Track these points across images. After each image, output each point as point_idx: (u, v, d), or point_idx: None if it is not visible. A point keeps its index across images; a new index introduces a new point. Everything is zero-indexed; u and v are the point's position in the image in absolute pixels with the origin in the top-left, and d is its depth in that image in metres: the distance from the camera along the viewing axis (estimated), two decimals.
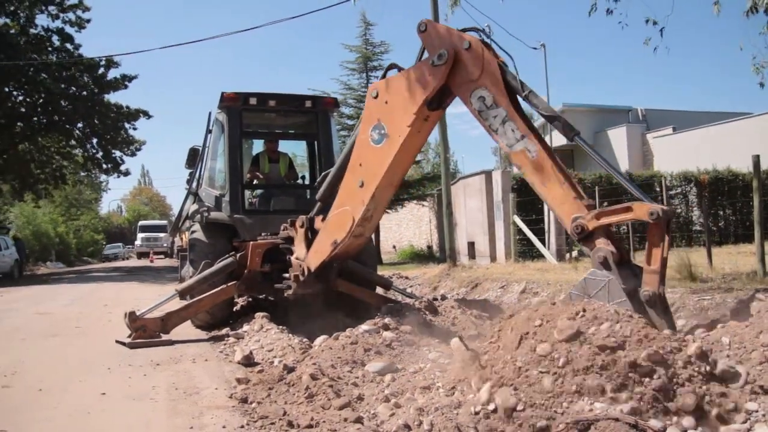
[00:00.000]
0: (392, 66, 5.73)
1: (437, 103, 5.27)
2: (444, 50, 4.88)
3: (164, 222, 50.87)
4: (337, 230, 6.15)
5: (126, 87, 27.83)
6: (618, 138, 28.16)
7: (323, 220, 6.51)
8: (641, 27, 8.38)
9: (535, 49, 22.82)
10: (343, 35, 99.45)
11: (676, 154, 23.97)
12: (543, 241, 13.74)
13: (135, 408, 4.58)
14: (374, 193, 5.66)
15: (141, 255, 42.86)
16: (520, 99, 4.72)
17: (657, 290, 3.92)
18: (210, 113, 9.27)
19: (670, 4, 9.49)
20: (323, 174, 6.90)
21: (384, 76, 5.70)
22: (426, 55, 5.19)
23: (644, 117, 29.85)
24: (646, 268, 3.98)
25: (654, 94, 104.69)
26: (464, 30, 4.96)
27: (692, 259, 8.16)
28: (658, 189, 16.69)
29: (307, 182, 9.99)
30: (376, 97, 5.57)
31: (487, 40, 4.93)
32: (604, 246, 4.15)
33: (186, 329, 7.95)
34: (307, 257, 6.65)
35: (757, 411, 3.10)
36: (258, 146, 10.33)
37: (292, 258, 6.95)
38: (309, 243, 6.73)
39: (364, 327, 5.74)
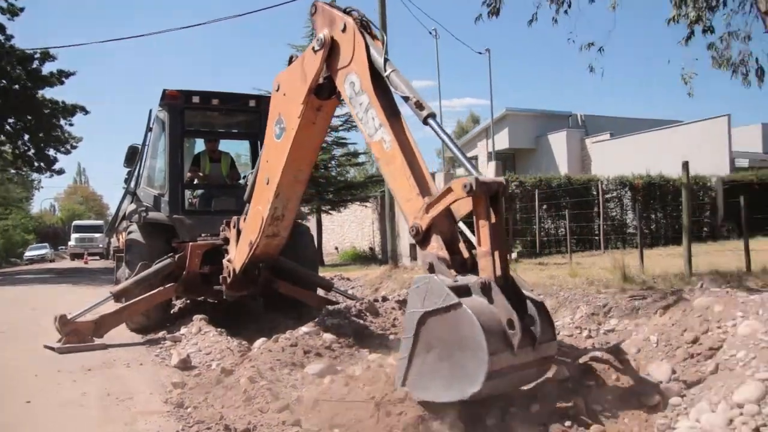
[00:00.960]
0: (294, 57, 5.31)
1: (329, 91, 4.90)
2: (323, 34, 4.58)
3: (100, 222, 49.28)
4: (251, 231, 6.09)
5: (62, 83, 26.75)
6: (558, 142, 28.92)
7: (245, 220, 6.44)
8: (583, 35, 8.66)
9: (480, 53, 23.21)
10: (290, 35, 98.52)
11: (612, 159, 24.79)
12: None
13: (63, 416, 4.42)
14: (277, 191, 5.44)
15: (75, 256, 41.37)
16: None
17: (492, 275, 3.31)
18: (151, 111, 9.08)
19: (613, 15, 9.82)
20: (247, 174, 6.83)
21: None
22: None
23: (583, 122, 30.77)
24: (478, 251, 3.45)
25: (593, 100, 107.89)
26: (346, 9, 4.57)
27: (626, 261, 8.45)
28: (595, 192, 17.22)
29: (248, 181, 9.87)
30: (277, 90, 5.30)
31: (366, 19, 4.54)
32: (431, 252, 3.69)
33: (121, 333, 7.72)
34: (234, 258, 6.59)
35: (680, 405, 3.24)
36: (200, 146, 10.15)
37: (225, 260, 6.86)
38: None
39: (304, 329, 5.72)
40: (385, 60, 4.16)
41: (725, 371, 3.25)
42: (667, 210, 18.40)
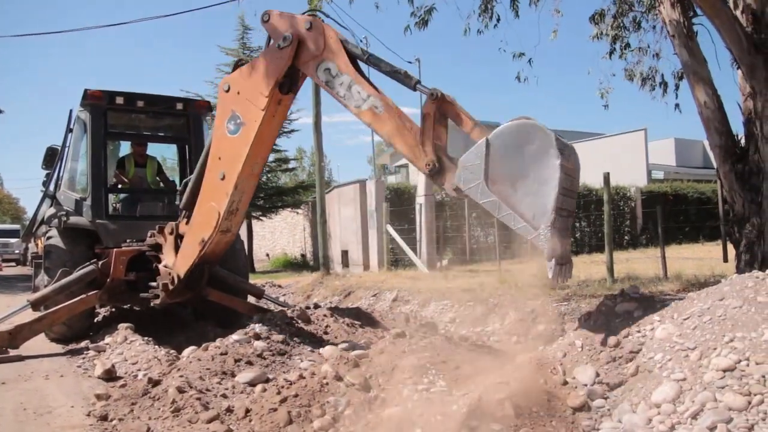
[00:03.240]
0: (241, 61, 5.91)
1: (288, 86, 5.45)
2: (288, 33, 5.15)
3: (16, 227, 46.77)
4: (203, 228, 6.05)
5: None
6: None
7: (187, 222, 6.38)
8: (512, 47, 9.07)
9: (410, 63, 23.54)
10: (220, 38, 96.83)
11: None
12: (415, 250, 14.13)
13: None
14: (237, 183, 5.69)
15: None
16: (362, 65, 5.01)
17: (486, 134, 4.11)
18: (71, 111, 8.73)
19: (538, 30, 10.27)
20: (184, 182, 6.73)
21: (234, 71, 5.83)
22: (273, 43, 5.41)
23: None
24: (469, 128, 4.35)
25: (520, 110, 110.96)
26: (305, 13, 5.37)
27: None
28: None
29: (178, 187, 9.64)
30: (227, 90, 5.70)
31: (327, 20, 5.32)
32: (450, 181, 4.32)
33: (39, 343, 7.36)
34: (175, 264, 6.44)
35: (603, 407, 3.38)
36: (126, 148, 9.84)
37: (161, 266, 6.68)
38: (178, 250, 6.52)
39: (234, 337, 5.62)
40: (361, 48, 4.99)
41: (645, 373, 3.41)
42: (591, 219, 19.12)
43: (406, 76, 4.69)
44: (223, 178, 5.76)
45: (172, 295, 6.66)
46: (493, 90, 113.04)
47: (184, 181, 6.72)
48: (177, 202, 9.27)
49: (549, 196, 3.73)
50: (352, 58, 4.94)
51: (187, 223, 6.42)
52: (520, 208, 3.83)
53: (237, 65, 5.84)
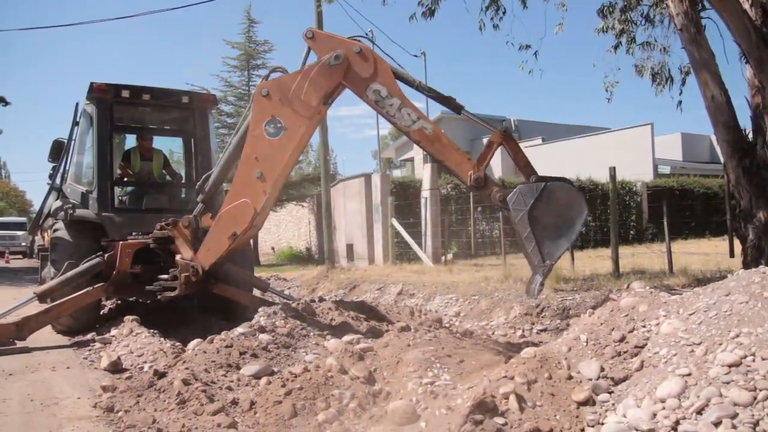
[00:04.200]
0: (277, 69, 6.25)
1: (326, 99, 5.84)
2: (340, 53, 5.58)
3: (23, 219, 46.95)
4: (236, 223, 6.20)
5: None
6: None
7: (212, 217, 6.51)
8: (518, 39, 9.01)
9: (416, 56, 23.46)
10: (225, 31, 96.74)
11: (544, 164, 25.42)
12: (420, 244, 14.13)
13: None
14: (276, 183, 6.14)
15: None
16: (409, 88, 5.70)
17: (535, 173, 5.25)
18: (78, 104, 8.74)
19: (544, 24, 10.20)
20: (204, 176, 6.76)
21: (267, 77, 6.18)
22: (311, 57, 5.80)
23: (517, 127, 31.51)
24: (522, 167, 5.31)
25: (525, 105, 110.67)
26: (351, 37, 5.79)
27: (557, 262, 8.72)
28: None
29: (183, 180, 9.66)
30: (266, 96, 5.94)
31: (372, 46, 5.78)
32: (497, 187, 5.41)
33: (46, 335, 7.41)
34: (198, 257, 6.46)
35: (608, 401, 3.37)
36: (132, 141, 9.85)
37: (178, 258, 6.69)
38: (196, 243, 6.57)
39: (239, 329, 5.64)
40: (408, 75, 5.73)
41: (649, 368, 3.40)
42: (596, 213, 19.07)
43: (455, 104, 5.60)
44: (260, 177, 6.04)
45: (192, 286, 6.74)
46: (498, 84, 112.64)
47: (205, 175, 6.78)
48: (183, 195, 9.35)
49: (563, 247, 5.17)
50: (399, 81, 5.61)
51: (212, 216, 6.57)
52: (540, 241, 5.08)
53: (272, 72, 6.28)
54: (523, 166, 5.31)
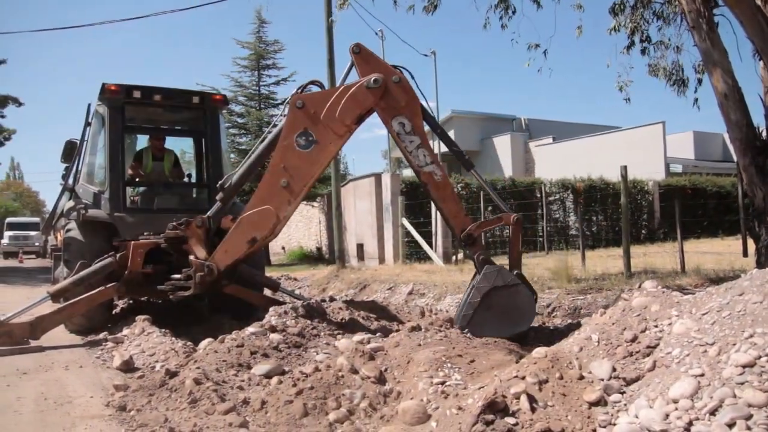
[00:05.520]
0: (313, 82, 6.50)
1: (359, 119, 6.10)
2: (380, 77, 5.83)
3: (36, 219, 47.34)
4: (256, 228, 6.26)
5: None
6: (502, 145, 29.44)
7: (233, 220, 6.59)
8: (527, 38, 8.98)
9: (425, 56, 23.42)
10: (235, 31, 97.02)
11: (555, 163, 25.40)
12: (430, 244, 14.11)
13: None
14: (301, 194, 6.26)
15: (9, 255, 39.65)
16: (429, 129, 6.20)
17: (519, 270, 6.09)
18: (89, 105, 8.81)
19: (554, 22, 10.15)
20: (227, 176, 6.77)
21: (302, 89, 6.33)
22: (353, 73, 6.08)
23: (527, 126, 31.42)
24: (511, 257, 6.23)
25: (535, 104, 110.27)
26: (394, 66, 6.08)
27: (568, 262, 8.68)
28: (538, 195, 17.61)
29: (194, 180, 9.70)
30: (301, 107, 6.08)
31: (411, 79, 6.08)
32: (483, 250, 6.00)
33: (59, 334, 7.47)
34: (215, 257, 6.46)
35: (620, 401, 3.35)
36: (143, 141, 9.90)
37: (192, 258, 6.71)
38: (209, 243, 6.57)
39: (250, 329, 5.65)
40: (434, 119, 6.34)
41: (662, 368, 3.37)
42: (608, 212, 18.98)
43: (466, 160, 6.26)
44: (286, 187, 6.15)
45: (207, 287, 6.74)
46: (509, 83, 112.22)
47: (228, 175, 6.80)
48: (194, 195, 9.39)
49: (485, 333, 5.54)
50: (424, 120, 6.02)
51: (232, 219, 6.66)
52: (476, 315, 5.75)
53: (307, 84, 6.43)
54: (515, 257, 6.07)
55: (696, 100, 9.03)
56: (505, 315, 5.71)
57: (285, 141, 6.13)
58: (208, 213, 6.70)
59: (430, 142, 6.16)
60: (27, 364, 6.02)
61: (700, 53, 6.77)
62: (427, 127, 6.20)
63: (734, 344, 3.16)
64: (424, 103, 6.13)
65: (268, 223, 6.23)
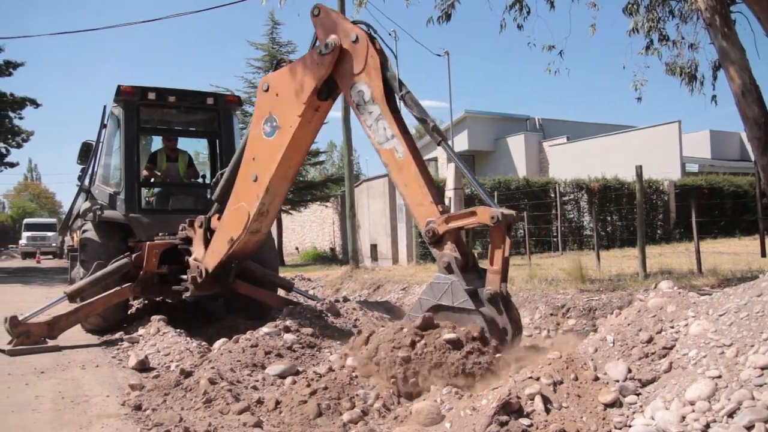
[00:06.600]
0: (282, 60, 5.74)
1: (327, 93, 5.21)
2: (331, 40, 4.83)
3: (53, 220, 47.87)
4: (232, 227, 6.08)
5: (10, 74, 25.99)
6: (516, 145, 29.31)
7: (219, 218, 6.42)
8: (541, 37, 8.94)
9: (439, 56, 23.37)
10: (249, 32, 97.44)
11: (569, 163, 25.25)
12: None
13: (15, 421, 4.28)
14: (268, 187, 5.63)
15: (26, 255, 40.14)
16: (397, 98, 4.73)
17: (498, 289, 4.09)
18: (105, 107, 8.87)
19: (569, 23, 10.09)
20: (218, 174, 6.79)
21: (275, 70, 5.67)
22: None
23: (541, 126, 31.25)
24: (489, 268, 4.17)
25: (549, 104, 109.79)
26: (354, 22, 4.94)
27: (583, 262, 8.63)
28: (552, 195, 17.51)
29: (207, 181, 9.76)
30: (266, 90, 5.55)
31: (375, 36, 4.88)
32: (449, 252, 4.33)
33: (75, 334, 7.54)
34: (205, 258, 6.51)
35: (635, 403, 3.32)
36: (156, 143, 9.98)
37: (191, 259, 6.77)
38: (207, 243, 6.59)
39: (264, 329, 5.67)
40: (400, 81, 4.58)
41: (678, 370, 3.34)
42: (622, 212, 18.85)
43: (434, 129, 4.57)
44: (255, 180, 5.69)
45: (200, 288, 6.74)
46: (522, 82, 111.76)
47: (219, 173, 6.77)
48: (209, 196, 9.44)
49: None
50: (388, 89, 4.65)
51: (219, 218, 6.47)
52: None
53: (278, 64, 5.67)
54: (494, 269, 4.16)
55: (714, 97, 8.94)
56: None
57: (254, 130, 5.66)
58: (209, 213, 6.73)
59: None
60: (45, 363, 6.09)
61: (717, 51, 6.70)
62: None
63: (752, 345, 3.13)
64: (393, 64, 4.78)
65: (241, 222, 5.94)
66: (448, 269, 4.29)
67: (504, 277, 4.12)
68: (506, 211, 4.15)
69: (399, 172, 4.59)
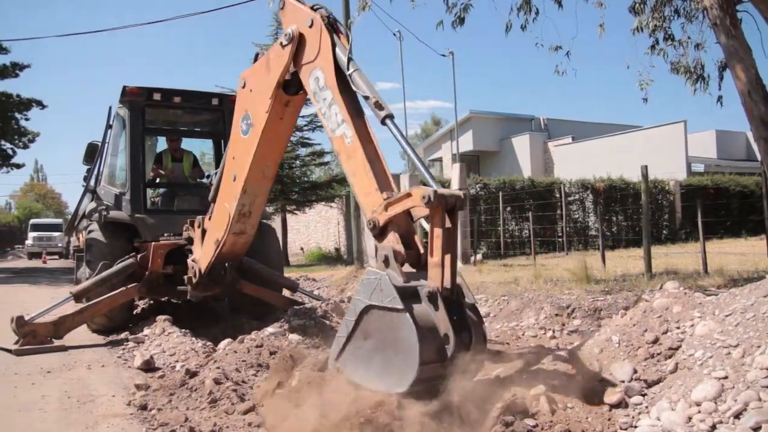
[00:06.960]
0: (259, 54, 5.33)
1: (296, 87, 4.84)
2: (290, 29, 4.55)
3: (59, 221, 48.06)
4: (217, 229, 6.03)
5: (17, 75, 26.08)
6: (521, 145, 29.29)
7: (210, 219, 6.39)
8: (546, 37, 8.90)
9: (443, 56, 23.33)
10: (253, 34, 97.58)
11: (574, 163, 25.21)
12: None
13: (21, 420, 4.30)
14: (245, 187, 5.41)
15: (32, 255, 40.32)
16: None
17: (440, 285, 3.30)
18: (110, 108, 8.90)
19: (575, 22, 10.06)
20: (213, 174, 6.78)
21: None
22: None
23: (546, 126, 31.22)
24: (429, 260, 3.41)
25: (554, 104, 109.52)
26: (313, 7, 4.55)
27: (588, 263, 8.61)
28: (557, 195, 17.49)
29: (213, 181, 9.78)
30: (243, 87, 5.34)
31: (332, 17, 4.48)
32: (388, 243, 3.68)
33: (81, 334, 7.56)
34: (199, 258, 6.52)
35: (641, 404, 3.32)
36: (162, 143, 10.00)
37: (189, 260, 6.77)
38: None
39: (269, 330, 5.69)
40: (349, 59, 4.17)
41: (684, 370, 3.34)
42: (628, 213, 18.82)
43: (376, 106, 4.01)
44: (234, 180, 5.52)
45: (198, 288, 6.74)
46: (527, 82, 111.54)
47: (213, 172, 6.77)
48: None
49: (355, 375, 3.50)
50: (340, 71, 4.24)
51: (209, 219, 6.42)
52: (348, 345, 3.59)
53: (256, 58, 5.32)
54: (435, 261, 3.36)
55: (720, 97, 8.89)
56: (382, 355, 3.36)
57: (234, 128, 5.47)
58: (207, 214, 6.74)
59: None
60: (51, 363, 6.11)
61: (723, 50, 6.67)
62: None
63: (759, 346, 3.12)
64: (345, 35, 4.39)
65: (222, 223, 5.82)
66: (386, 263, 3.56)
67: (452, 273, 3.34)
68: (445, 191, 3.44)
69: (348, 160, 4.11)
